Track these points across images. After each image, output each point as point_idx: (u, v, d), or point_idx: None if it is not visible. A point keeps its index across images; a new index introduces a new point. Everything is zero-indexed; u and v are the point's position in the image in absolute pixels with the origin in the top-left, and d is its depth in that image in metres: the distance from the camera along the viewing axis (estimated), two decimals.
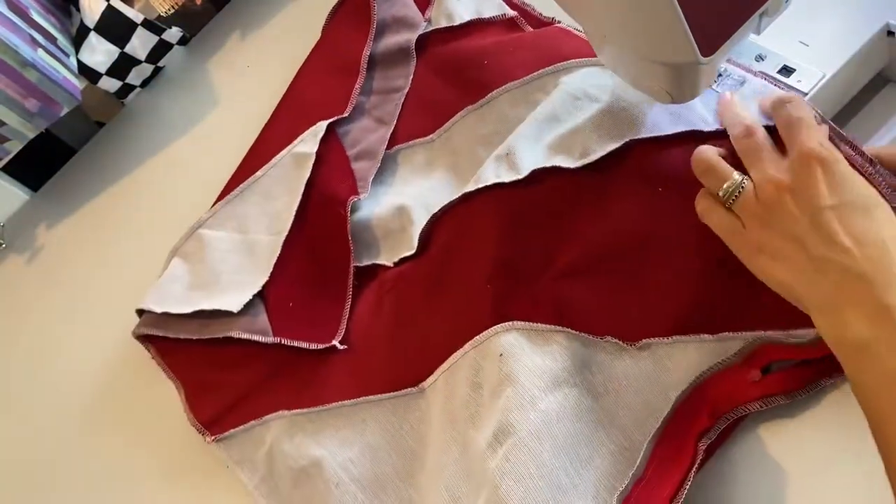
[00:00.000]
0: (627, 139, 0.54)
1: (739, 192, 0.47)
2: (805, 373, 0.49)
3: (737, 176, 0.48)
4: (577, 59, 0.61)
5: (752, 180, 0.47)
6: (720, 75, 0.55)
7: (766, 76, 0.54)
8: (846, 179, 0.44)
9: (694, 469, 0.48)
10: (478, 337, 0.55)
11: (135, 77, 0.85)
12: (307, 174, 0.67)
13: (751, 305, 0.50)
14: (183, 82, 0.87)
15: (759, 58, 0.55)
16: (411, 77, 0.71)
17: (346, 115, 0.69)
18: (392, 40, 0.72)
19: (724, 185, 0.48)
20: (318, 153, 0.67)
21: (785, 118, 0.48)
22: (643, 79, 0.52)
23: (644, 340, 0.52)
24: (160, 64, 0.86)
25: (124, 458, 0.67)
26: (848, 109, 0.56)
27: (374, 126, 0.70)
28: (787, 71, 0.54)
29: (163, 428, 0.67)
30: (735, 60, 0.56)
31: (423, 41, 0.72)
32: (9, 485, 0.71)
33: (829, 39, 0.54)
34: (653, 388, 0.51)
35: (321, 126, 0.69)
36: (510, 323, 0.54)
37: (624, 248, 0.54)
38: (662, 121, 0.55)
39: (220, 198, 0.72)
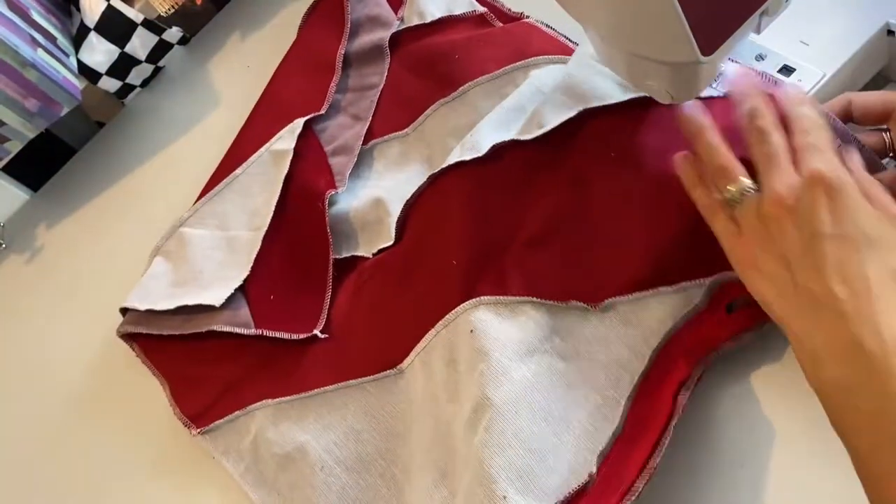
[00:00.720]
0: (580, 108, 0.56)
1: (742, 197, 0.46)
2: None
3: (744, 181, 0.46)
4: (547, 56, 0.63)
5: (758, 191, 0.45)
6: (720, 75, 0.55)
7: (766, 76, 0.54)
8: (850, 210, 0.42)
9: (673, 422, 0.49)
10: (448, 316, 0.56)
11: (135, 77, 0.85)
12: (285, 170, 0.67)
13: (702, 254, 0.50)
14: (183, 82, 0.87)
15: (759, 57, 0.55)
16: (386, 74, 0.72)
17: (322, 112, 0.70)
18: (366, 39, 0.73)
19: (732, 188, 0.46)
20: (295, 149, 0.68)
21: (800, 132, 0.45)
22: (643, 78, 0.52)
23: (606, 301, 0.53)
24: (160, 64, 0.86)
25: (116, 454, 0.68)
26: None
27: (350, 122, 0.71)
28: (787, 71, 0.54)
29: (154, 423, 0.67)
30: (735, 59, 0.56)
31: (397, 39, 0.73)
32: (4, 481, 0.71)
33: (829, 39, 0.54)
34: (623, 346, 0.52)
35: (298, 123, 0.69)
36: (477, 299, 0.55)
37: (579, 213, 0.55)
38: (613, 90, 0.56)
39: (200, 196, 0.73)
